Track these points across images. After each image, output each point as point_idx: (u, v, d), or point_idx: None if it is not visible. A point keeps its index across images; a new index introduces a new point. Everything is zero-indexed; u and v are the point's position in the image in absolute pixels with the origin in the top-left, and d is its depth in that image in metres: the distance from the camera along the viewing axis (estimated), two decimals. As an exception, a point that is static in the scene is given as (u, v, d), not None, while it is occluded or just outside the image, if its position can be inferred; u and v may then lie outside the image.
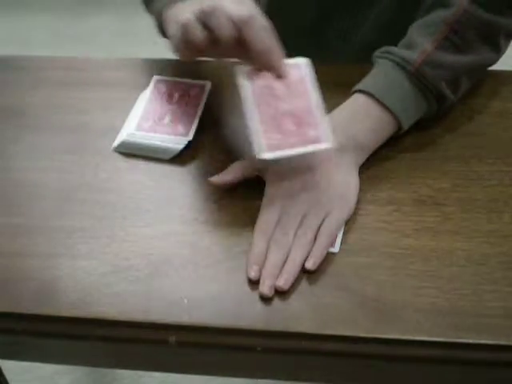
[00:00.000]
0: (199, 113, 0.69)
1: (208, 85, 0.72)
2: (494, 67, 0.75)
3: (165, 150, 0.66)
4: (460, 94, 0.69)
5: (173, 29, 0.61)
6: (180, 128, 0.68)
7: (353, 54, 0.86)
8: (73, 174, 0.66)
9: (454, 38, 0.66)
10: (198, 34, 0.57)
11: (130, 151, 0.67)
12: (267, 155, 0.57)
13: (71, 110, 0.73)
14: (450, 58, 0.66)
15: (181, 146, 0.66)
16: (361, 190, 0.62)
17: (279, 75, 0.59)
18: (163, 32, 0.69)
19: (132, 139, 0.68)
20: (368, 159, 0.65)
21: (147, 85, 0.73)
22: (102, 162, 0.67)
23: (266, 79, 0.59)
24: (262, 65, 0.59)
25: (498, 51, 0.70)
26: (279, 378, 0.63)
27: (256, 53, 0.58)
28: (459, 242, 0.58)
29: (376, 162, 0.65)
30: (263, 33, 0.57)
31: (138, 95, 0.72)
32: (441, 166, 0.65)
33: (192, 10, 0.57)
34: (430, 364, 0.53)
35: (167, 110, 0.70)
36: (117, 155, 0.68)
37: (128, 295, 0.55)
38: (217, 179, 0.62)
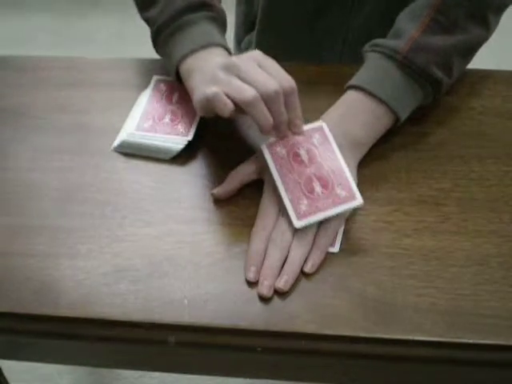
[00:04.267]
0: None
1: (208, 85, 0.72)
2: (495, 67, 0.75)
3: (165, 150, 0.66)
4: (455, 76, 0.69)
5: (200, 85, 0.61)
6: (180, 128, 0.68)
7: (344, 48, 0.86)
8: (73, 173, 0.66)
9: (441, 18, 0.66)
10: (227, 109, 0.57)
11: (130, 151, 0.67)
12: (298, 224, 0.57)
13: (71, 110, 0.73)
14: (438, 40, 0.65)
15: (181, 146, 0.66)
16: (361, 189, 0.62)
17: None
18: (177, 76, 0.68)
19: (132, 139, 0.68)
20: (368, 159, 0.65)
21: (147, 85, 0.73)
22: (102, 162, 0.67)
23: (289, 147, 0.60)
24: (282, 133, 0.60)
25: (488, 28, 0.69)
26: (279, 378, 0.63)
27: (277, 124, 0.58)
28: (459, 242, 0.58)
29: (376, 162, 0.65)
30: (284, 105, 0.58)
31: (138, 95, 0.73)
32: (441, 165, 0.65)
33: (225, 81, 0.58)
34: (430, 364, 0.53)
35: (167, 110, 0.70)
36: (117, 155, 0.68)
37: (128, 295, 0.55)
38: (219, 191, 0.62)
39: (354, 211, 0.61)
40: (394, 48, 0.65)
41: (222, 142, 0.68)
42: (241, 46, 0.99)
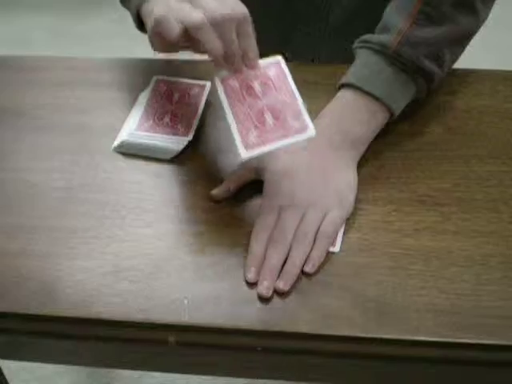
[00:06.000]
0: (199, 113, 0.69)
1: (208, 85, 0.72)
2: (494, 67, 0.75)
3: (165, 150, 0.66)
4: (448, 67, 0.69)
5: (149, 23, 0.60)
6: (180, 128, 0.68)
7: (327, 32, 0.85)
8: (73, 174, 0.66)
9: (428, 10, 0.65)
10: (174, 32, 0.56)
11: (130, 151, 0.67)
12: (246, 155, 0.56)
13: (71, 110, 0.73)
14: (426, 32, 0.65)
15: (181, 146, 0.66)
16: (361, 189, 0.62)
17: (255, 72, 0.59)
18: (140, 26, 0.68)
19: (132, 139, 0.68)
20: (368, 159, 0.65)
21: (147, 85, 0.73)
22: (102, 162, 0.67)
23: (241, 80, 0.59)
24: (235, 65, 0.58)
25: (477, 16, 0.68)
26: (279, 379, 0.63)
27: (228, 54, 0.57)
28: (459, 242, 0.58)
29: (376, 162, 0.65)
30: (236, 34, 0.56)
31: (138, 95, 0.73)
32: (441, 165, 0.65)
33: (174, 7, 0.57)
34: (430, 364, 0.53)
35: (167, 109, 0.70)
36: (117, 155, 0.68)
37: (128, 295, 0.55)
38: (218, 191, 0.62)
39: (354, 211, 0.61)
40: (384, 43, 0.65)
41: (221, 143, 0.68)
42: None
